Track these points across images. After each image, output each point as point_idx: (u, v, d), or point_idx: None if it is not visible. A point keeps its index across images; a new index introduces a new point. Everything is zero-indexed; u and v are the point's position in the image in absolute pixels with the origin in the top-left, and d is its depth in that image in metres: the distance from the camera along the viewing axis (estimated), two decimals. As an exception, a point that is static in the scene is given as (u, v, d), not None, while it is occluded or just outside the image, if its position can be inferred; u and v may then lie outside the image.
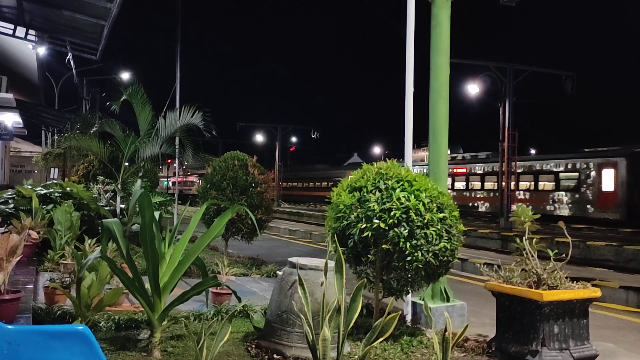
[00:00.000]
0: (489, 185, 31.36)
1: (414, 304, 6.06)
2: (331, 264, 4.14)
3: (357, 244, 4.97)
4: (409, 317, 5.98)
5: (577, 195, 25.50)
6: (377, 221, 4.76)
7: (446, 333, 3.66)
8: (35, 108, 19.25)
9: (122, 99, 9.92)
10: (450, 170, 30.06)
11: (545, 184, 27.53)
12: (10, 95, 14.34)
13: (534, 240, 4.86)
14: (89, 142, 10.17)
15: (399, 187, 4.92)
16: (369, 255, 4.97)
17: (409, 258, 4.73)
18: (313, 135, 44.74)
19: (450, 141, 6.61)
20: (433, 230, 4.78)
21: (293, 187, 55.55)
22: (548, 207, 26.68)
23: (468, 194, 32.64)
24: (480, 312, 6.62)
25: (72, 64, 24.10)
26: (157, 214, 4.42)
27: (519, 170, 26.85)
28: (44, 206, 8.60)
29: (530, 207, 5.37)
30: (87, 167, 14.56)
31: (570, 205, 25.91)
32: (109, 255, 5.39)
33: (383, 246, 4.81)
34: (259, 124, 49.09)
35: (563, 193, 26.32)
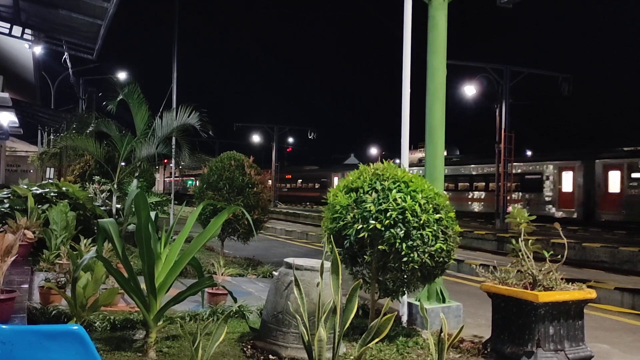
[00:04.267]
0: None
1: (409, 304, 6.06)
2: (327, 264, 4.14)
3: (353, 244, 4.97)
4: (404, 318, 5.98)
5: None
6: (373, 222, 4.77)
7: (442, 334, 3.66)
8: (31, 107, 19.19)
9: (118, 99, 9.91)
10: None
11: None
12: (6, 95, 14.30)
13: (530, 241, 4.88)
14: (85, 142, 10.15)
15: (395, 188, 4.92)
16: (365, 256, 4.97)
17: (405, 259, 4.74)
18: (310, 136, 44.49)
19: (446, 142, 6.63)
20: (429, 231, 4.78)
21: None
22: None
23: None
24: (476, 313, 6.62)
25: (69, 64, 24.11)
26: (153, 214, 4.41)
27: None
28: (39, 206, 8.57)
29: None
30: (83, 167, 14.55)
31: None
32: (104, 255, 5.36)
33: (379, 247, 4.81)
34: (256, 125, 48.58)
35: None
